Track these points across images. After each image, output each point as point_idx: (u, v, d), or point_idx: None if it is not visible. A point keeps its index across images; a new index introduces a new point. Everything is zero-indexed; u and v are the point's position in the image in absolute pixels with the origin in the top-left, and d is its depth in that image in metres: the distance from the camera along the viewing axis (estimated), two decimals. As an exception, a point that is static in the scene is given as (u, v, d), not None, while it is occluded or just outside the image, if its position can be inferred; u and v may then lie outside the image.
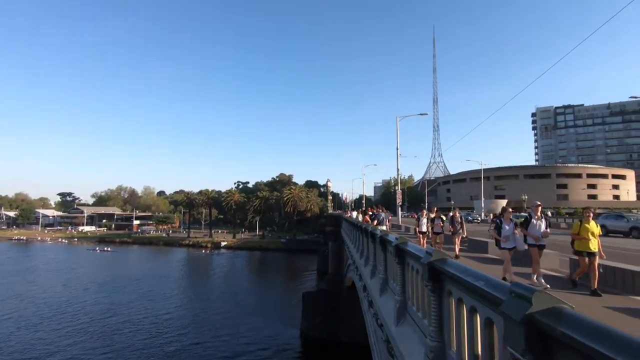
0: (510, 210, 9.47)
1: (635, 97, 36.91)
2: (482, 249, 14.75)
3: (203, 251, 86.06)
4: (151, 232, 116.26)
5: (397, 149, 36.58)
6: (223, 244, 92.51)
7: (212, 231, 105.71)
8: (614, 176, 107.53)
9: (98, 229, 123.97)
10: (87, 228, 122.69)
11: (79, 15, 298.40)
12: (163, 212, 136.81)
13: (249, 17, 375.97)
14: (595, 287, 7.29)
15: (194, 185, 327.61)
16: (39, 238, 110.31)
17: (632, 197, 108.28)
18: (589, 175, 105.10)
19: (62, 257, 73.19)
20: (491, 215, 44.40)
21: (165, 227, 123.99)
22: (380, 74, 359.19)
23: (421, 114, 38.97)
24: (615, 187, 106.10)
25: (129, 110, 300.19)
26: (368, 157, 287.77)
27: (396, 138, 36.29)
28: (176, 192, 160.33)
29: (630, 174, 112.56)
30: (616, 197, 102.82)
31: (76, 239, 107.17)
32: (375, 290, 9.37)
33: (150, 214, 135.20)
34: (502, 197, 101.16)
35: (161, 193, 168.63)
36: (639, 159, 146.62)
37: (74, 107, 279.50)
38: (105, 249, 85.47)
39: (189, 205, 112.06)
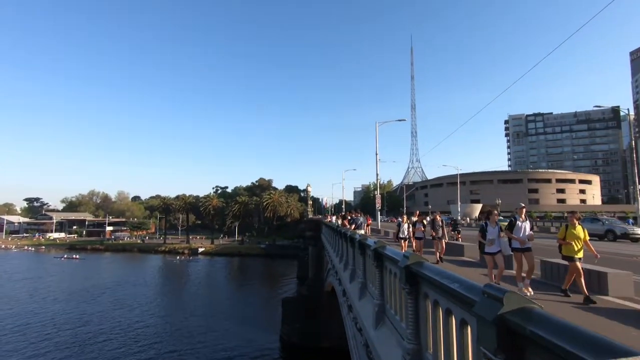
0: (496, 212, 9.00)
1: (599, 107, 39.02)
2: (458, 252, 15.07)
3: (177, 257, 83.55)
4: (125, 238, 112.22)
5: (377, 154, 37.01)
6: (201, 250, 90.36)
7: (190, 237, 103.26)
8: (581, 181, 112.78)
9: (68, 235, 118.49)
10: (55, 235, 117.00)
11: (53, 13, 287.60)
12: (138, 218, 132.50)
13: (224, 20, 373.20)
14: (566, 287, 7.40)
15: (170, 190, 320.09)
16: (3, 246, 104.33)
17: (597, 201, 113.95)
18: (558, 180, 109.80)
19: (28, 266, 69.47)
20: (449, 217, 45.40)
21: (141, 233, 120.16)
22: (361, 80, 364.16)
23: (399, 120, 39.69)
24: (582, 191, 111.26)
25: (102, 113, 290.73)
26: (348, 162, 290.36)
27: (375, 143, 36.76)
28: (152, 197, 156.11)
29: (596, 179, 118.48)
30: (583, 201, 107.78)
31: (44, 247, 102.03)
32: (355, 294, 9.38)
33: (124, 219, 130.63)
34: (478, 202, 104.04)
35: (136, 198, 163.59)
36: (603, 164, 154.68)
37: (40, 108, 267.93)
38: (74, 256, 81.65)
39: (166, 211, 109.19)
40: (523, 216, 8.19)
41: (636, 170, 36.79)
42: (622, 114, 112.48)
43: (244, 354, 27.37)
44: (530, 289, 7.68)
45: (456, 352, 3.41)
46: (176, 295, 47.00)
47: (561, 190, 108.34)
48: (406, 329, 4.70)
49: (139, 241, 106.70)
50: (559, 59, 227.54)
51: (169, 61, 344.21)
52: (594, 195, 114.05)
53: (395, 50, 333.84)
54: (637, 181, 35.39)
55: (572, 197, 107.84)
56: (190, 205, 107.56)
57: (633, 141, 67.60)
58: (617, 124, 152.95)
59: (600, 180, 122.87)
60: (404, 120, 40.39)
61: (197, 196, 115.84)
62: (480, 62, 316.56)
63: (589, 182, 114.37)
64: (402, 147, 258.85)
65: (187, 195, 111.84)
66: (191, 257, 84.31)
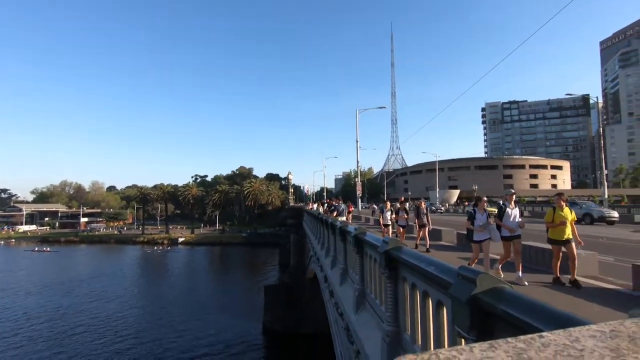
0: (485, 199, 8.70)
1: (571, 95, 40.45)
2: (437, 237, 15.50)
3: (155, 248, 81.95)
4: (101, 229, 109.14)
5: (357, 141, 37.28)
6: (181, 239, 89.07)
7: (169, 227, 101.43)
8: (553, 167, 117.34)
9: (40, 228, 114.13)
10: (26, 227, 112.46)
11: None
12: (114, 209, 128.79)
13: (209, 12, 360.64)
14: (574, 277, 7.02)
15: (148, 179, 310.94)
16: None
17: (567, 185, 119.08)
18: (531, 166, 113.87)
19: (-2, 260, 66.72)
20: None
21: (117, 224, 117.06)
22: (342, 68, 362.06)
23: (379, 107, 39.91)
24: (554, 176, 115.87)
25: (72, 102, 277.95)
26: (329, 150, 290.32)
27: (356, 131, 36.93)
28: (128, 187, 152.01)
29: (566, 164, 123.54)
30: (554, 185, 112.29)
31: (13, 240, 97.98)
32: (336, 280, 9.53)
33: (99, 210, 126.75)
34: (455, 187, 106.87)
35: (111, 188, 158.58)
36: (573, 150, 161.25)
37: (5, 96, 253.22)
38: (44, 248, 78.93)
39: (143, 201, 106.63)
40: (513, 203, 8.03)
41: (603, 156, 38.60)
42: (591, 102, 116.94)
43: (226, 342, 27.45)
44: (522, 279, 7.37)
45: (432, 332, 3.54)
46: (156, 285, 46.36)
47: (534, 176, 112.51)
48: (385, 312, 4.83)
49: (116, 232, 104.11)
50: (536, 48, 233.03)
51: (144, 46, 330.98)
52: (564, 180, 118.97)
53: (378, 39, 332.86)
54: (604, 167, 37.19)
55: (544, 182, 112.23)
56: (169, 194, 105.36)
57: (601, 128, 70.62)
58: (587, 111, 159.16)
59: (571, 166, 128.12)
60: (384, 107, 40.69)
61: (176, 185, 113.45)
62: (460, 52, 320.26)
63: (559, 167, 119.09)
64: (383, 135, 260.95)
65: (166, 184, 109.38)
66: (170, 247, 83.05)
